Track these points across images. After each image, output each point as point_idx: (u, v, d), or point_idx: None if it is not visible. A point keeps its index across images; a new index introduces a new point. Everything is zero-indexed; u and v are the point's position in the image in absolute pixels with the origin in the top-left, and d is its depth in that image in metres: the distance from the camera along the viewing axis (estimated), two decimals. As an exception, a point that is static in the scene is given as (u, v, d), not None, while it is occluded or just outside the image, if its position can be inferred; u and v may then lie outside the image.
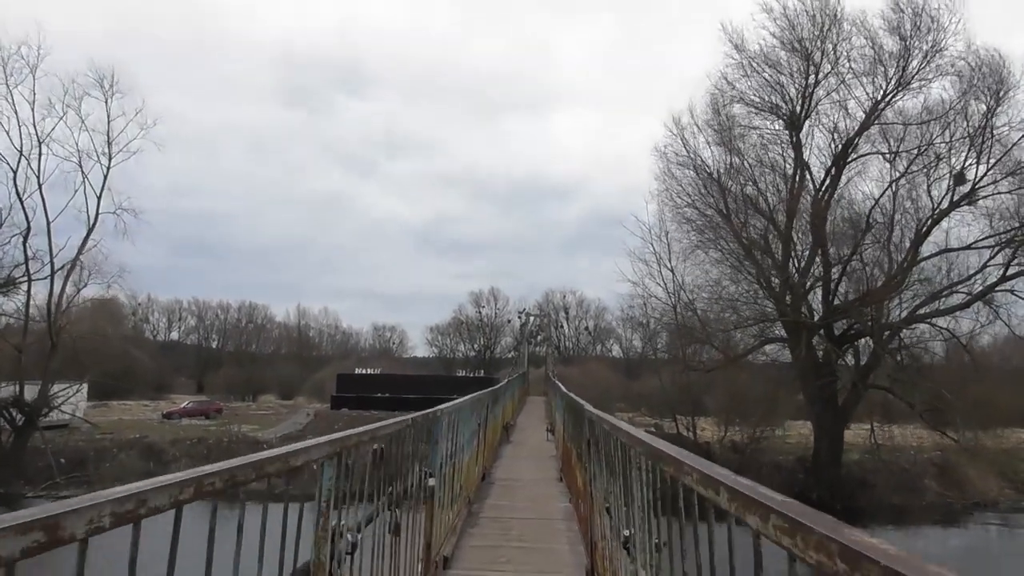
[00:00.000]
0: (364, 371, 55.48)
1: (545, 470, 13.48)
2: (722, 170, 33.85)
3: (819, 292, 32.95)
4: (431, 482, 6.27)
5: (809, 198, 32.17)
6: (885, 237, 31.46)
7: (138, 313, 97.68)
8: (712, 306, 34.25)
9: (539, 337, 75.16)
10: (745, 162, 33.31)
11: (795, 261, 32.80)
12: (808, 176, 32.33)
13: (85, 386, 42.47)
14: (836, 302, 31.85)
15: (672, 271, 35.55)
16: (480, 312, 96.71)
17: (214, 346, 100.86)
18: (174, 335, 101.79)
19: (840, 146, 31.27)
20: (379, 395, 42.61)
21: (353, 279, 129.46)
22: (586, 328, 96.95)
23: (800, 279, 32.19)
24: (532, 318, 65.23)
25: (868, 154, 31.16)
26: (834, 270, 31.42)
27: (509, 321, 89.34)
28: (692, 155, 34.63)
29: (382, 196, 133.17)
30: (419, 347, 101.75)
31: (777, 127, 33.00)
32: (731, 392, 35.37)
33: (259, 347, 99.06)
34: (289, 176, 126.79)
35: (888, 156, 30.21)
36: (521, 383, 35.93)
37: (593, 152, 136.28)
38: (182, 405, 52.92)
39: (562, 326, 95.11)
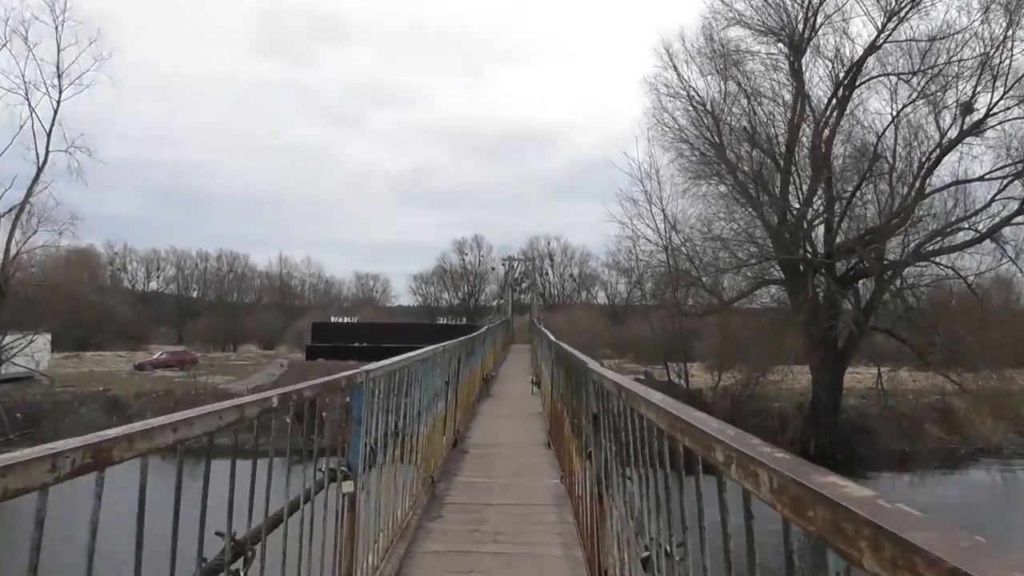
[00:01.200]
0: (340, 319, 52.95)
1: (530, 432, 11.21)
2: (716, 99, 31.11)
3: (819, 231, 30.55)
4: (347, 487, 3.90)
5: (810, 129, 29.43)
6: (889, 170, 28.93)
7: (115, 263, 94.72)
8: (705, 247, 31.91)
9: (524, 284, 72.90)
10: (742, 90, 30.49)
11: (796, 196, 30.22)
12: (808, 106, 29.46)
13: (47, 337, 39.75)
14: (838, 240, 29.42)
15: (663, 210, 33.10)
16: (464, 260, 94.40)
17: (194, 296, 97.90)
18: (153, 285, 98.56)
19: (844, 71, 28.44)
20: (356, 344, 40.27)
21: (336, 229, 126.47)
22: (571, 275, 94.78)
23: (800, 215, 29.70)
24: (517, 263, 62.53)
25: (876, 76, 28.12)
26: (837, 205, 28.85)
27: (493, 269, 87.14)
28: (685, 85, 31.81)
29: (364, 147, 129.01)
30: (403, 296, 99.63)
31: (777, 50, 30.07)
32: (725, 337, 33.23)
33: (240, 296, 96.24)
34: (270, 127, 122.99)
35: (904, 77, 27.22)
36: (504, 330, 33.68)
37: (577, 100, 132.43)
38: (155, 356, 50.30)
39: (547, 273, 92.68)
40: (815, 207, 29.58)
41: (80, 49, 33.43)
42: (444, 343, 8.62)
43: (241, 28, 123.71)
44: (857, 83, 28.27)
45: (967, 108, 29.08)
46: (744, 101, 30.63)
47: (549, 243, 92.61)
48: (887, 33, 27.04)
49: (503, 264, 69.68)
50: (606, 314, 74.24)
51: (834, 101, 28.58)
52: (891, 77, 28.04)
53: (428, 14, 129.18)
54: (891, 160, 28.94)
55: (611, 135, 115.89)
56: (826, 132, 28.48)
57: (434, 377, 7.56)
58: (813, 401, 30.16)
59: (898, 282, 29.19)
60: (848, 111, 28.51)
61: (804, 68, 29.35)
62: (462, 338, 11.68)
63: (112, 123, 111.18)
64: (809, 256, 28.92)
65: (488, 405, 14.65)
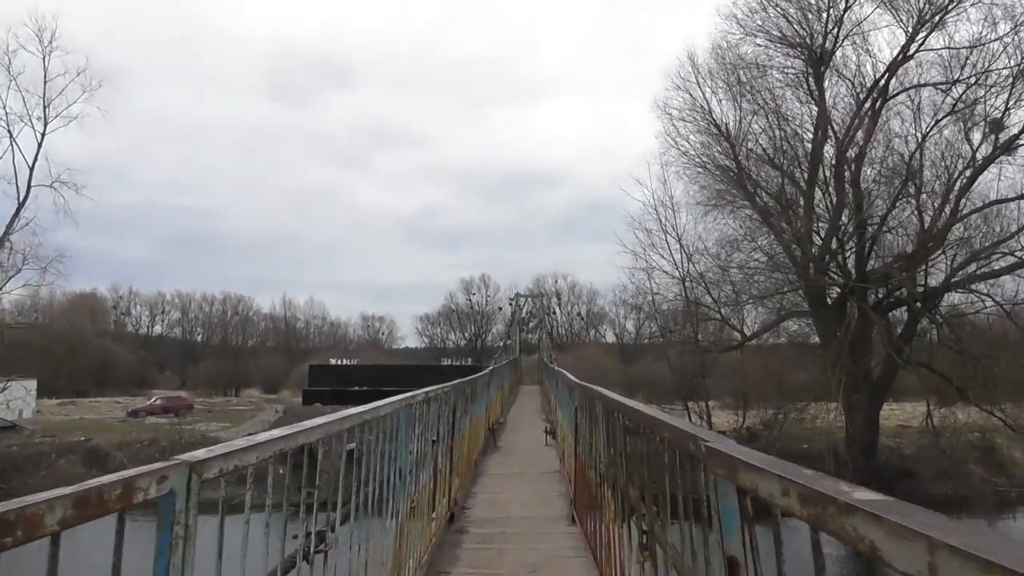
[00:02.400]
0: (339, 361, 50.29)
1: (548, 500, 8.65)
2: (732, 120, 28.90)
3: (844, 258, 27.88)
4: None
5: (833, 148, 27.06)
6: (917, 192, 26.46)
7: (119, 306, 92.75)
8: (725, 277, 29.35)
9: (531, 324, 70.26)
10: (760, 109, 28.20)
11: (819, 222, 27.62)
12: (831, 126, 27.10)
13: (32, 383, 37.23)
14: (869, 266, 26.81)
15: (679, 240, 30.69)
16: (471, 300, 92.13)
17: (199, 339, 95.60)
18: (158, 329, 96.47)
19: (869, 86, 26.11)
20: (356, 388, 37.65)
21: (341, 271, 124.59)
22: (579, 313, 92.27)
23: (826, 240, 27.17)
24: (524, 301, 59.85)
25: (907, 89, 25.61)
26: (868, 229, 26.30)
27: (500, 308, 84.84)
28: (698, 106, 29.62)
29: (371, 188, 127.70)
30: (409, 337, 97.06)
31: (796, 65, 27.76)
32: (747, 374, 30.52)
33: (244, 340, 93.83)
34: (276, 169, 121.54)
35: (941, 88, 24.79)
36: (512, 371, 31.04)
37: (581, 139, 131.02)
38: (149, 402, 47.67)
39: (554, 312, 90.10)
40: (842, 232, 26.98)
41: (68, 79, 31.41)
42: (427, 388, 6.14)
43: (248, 74, 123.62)
44: (888, 96, 25.92)
45: (997, 125, 26.90)
46: (762, 121, 28.46)
47: (556, 281, 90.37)
48: (918, 43, 24.86)
49: (510, 303, 67.07)
50: (615, 352, 71.61)
51: (860, 117, 26.20)
52: (920, 93, 25.72)
53: (432, 56, 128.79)
54: (918, 182, 26.58)
55: (617, 174, 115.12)
56: (853, 151, 26.09)
57: (409, 440, 5.08)
58: (848, 442, 27.30)
59: (931, 311, 26.53)
60: (878, 126, 26.02)
61: (826, 84, 27.13)
62: (458, 380, 9.17)
63: (121, 169, 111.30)
64: (843, 281, 26.20)
65: (495, 460, 12.08)
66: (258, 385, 76.47)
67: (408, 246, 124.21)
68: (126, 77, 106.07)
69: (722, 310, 29.96)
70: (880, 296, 26.94)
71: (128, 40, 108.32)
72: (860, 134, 25.77)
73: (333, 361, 51.64)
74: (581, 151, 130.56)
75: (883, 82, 25.69)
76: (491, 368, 16.33)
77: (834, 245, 27.40)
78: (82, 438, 32.47)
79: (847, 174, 26.05)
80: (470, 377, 11.18)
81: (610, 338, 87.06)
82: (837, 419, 29.58)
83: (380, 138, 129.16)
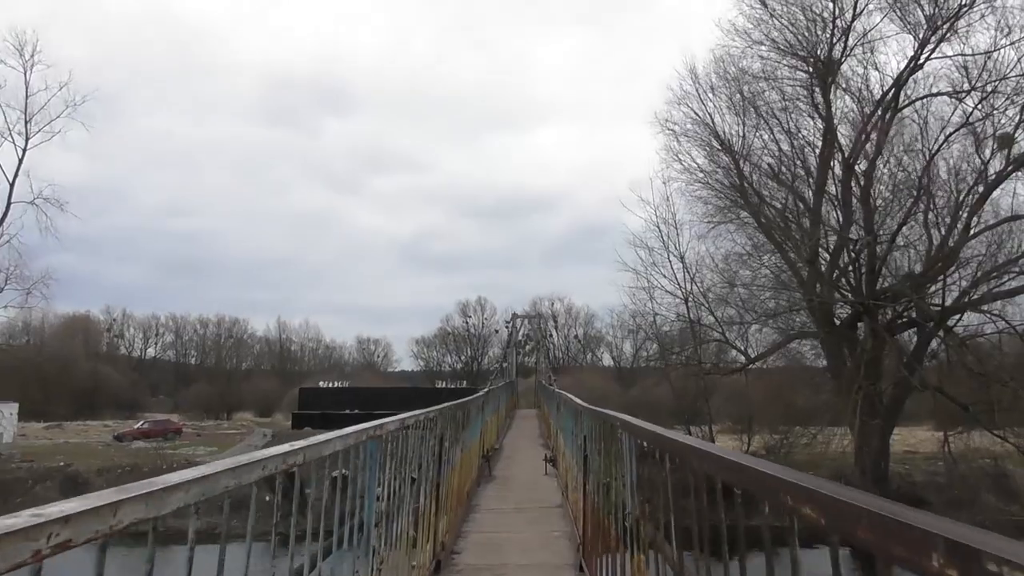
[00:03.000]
0: (330, 384, 48.79)
1: (550, 542, 7.40)
2: (735, 135, 27.90)
3: (855, 276, 26.74)
4: None
5: (839, 164, 26.01)
6: (926, 209, 25.39)
7: (112, 329, 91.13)
8: (730, 297, 28.18)
9: (528, 346, 68.78)
10: (764, 122, 27.22)
11: (828, 237, 26.43)
12: (837, 141, 26.10)
13: (14, 407, 35.79)
14: (878, 285, 25.61)
15: (682, 258, 29.55)
16: (467, 322, 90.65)
17: (193, 362, 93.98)
18: (151, 352, 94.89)
19: (877, 100, 25.16)
20: (347, 411, 36.20)
21: (336, 294, 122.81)
22: (575, 336, 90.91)
23: (833, 257, 26.06)
24: (521, 321, 58.35)
25: (920, 98, 24.64)
26: (878, 247, 25.15)
27: (496, 331, 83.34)
28: (699, 120, 28.61)
29: (366, 212, 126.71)
30: (405, 360, 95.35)
31: (801, 77, 26.67)
32: (751, 397, 29.25)
33: (239, 363, 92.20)
34: (272, 193, 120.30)
35: (957, 96, 23.65)
36: (508, 393, 29.75)
37: (576, 163, 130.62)
38: (136, 426, 46.04)
39: (551, 335, 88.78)
40: (852, 249, 25.79)
41: (50, 93, 30.40)
42: (404, 414, 4.93)
43: (245, 99, 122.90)
44: (898, 107, 24.90)
45: (1007, 140, 25.95)
46: (766, 135, 27.49)
47: (552, 304, 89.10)
48: (928, 51, 23.83)
49: (506, 325, 65.60)
50: (612, 376, 70.25)
51: (868, 130, 25.12)
52: (930, 106, 24.74)
53: (429, 82, 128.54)
54: (928, 198, 25.51)
55: (612, 198, 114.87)
56: (861, 165, 25.07)
57: (381, 480, 3.88)
58: (860, 469, 25.97)
59: (945, 332, 25.36)
60: (888, 139, 24.91)
61: (833, 96, 26.11)
62: (448, 404, 7.96)
63: (116, 192, 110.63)
64: (856, 301, 24.95)
65: (490, 492, 10.81)
66: (251, 409, 74.83)
67: (404, 269, 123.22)
68: (123, 101, 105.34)
69: (725, 331, 28.77)
70: (890, 316, 25.75)
71: (125, 65, 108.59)
72: (869, 147, 24.76)
73: (324, 384, 50.06)
74: (576, 175, 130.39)
75: (892, 93, 24.67)
76: (486, 390, 15.07)
77: (843, 263, 26.29)
78: (61, 463, 31.03)
79: (856, 189, 25.00)
80: (462, 400, 9.95)
81: (607, 361, 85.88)
82: (843, 444, 28.31)
83: (376, 162, 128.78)
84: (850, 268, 25.98)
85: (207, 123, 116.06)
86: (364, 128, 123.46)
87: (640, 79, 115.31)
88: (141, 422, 47.62)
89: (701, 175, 29.05)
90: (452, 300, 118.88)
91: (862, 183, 24.88)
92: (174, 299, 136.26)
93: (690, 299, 29.09)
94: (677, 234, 30.23)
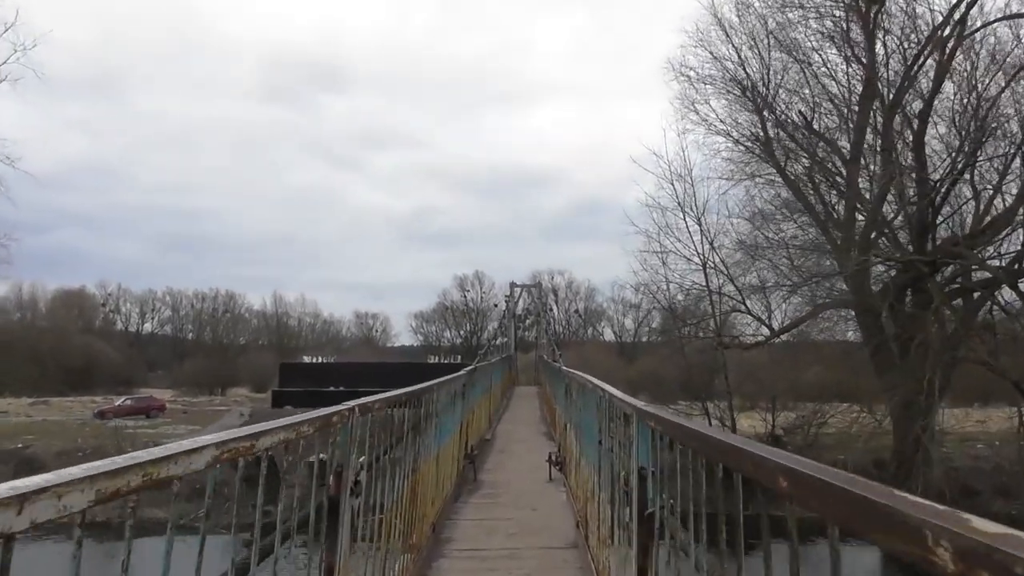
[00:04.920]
0: (313, 359, 45.44)
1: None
2: (759, 79, 24.12)
3: (908, 231, 22.87)
4: None
5: (881, 109, 22.18)
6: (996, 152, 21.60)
7: (107, 304, 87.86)
8: (752, 263, 24.61)
9: (528, 320, 65.20)
10: (794, 60, 23.42)
11: (874, 185, 22.40)
12: (880, 80, 22.23)
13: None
14: (930, 244, 21.91)
15: (699, 220, 25.86)
16: (465, 296, 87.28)
17: (190, 337, 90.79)
18: (148, 327, 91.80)
19: (933, 26, 21.19)
20: (331, 389, 32.84)
21: (335, 271, 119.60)
22: (576, 311, 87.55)
23: (870, 217, 22.35)
24: (521, 291, 54.60)
25: (995, 21, 20.73)
26: (931, 201, 21.41)
27: (496, 305, 79.67)
28: (720, 63, 24.82)
29: (364, 188, 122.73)
30: (403, 335, 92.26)
31: (842, 5, 22.68)
32: (775, 372, 25.83)
33: (236, 337, 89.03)
34: (270, 170, 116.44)
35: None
36: (505, 370, 26.30)
37: (574, 139, 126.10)
38: (117, 402, 42.78)
39: (551, 309, 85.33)
40: (901, 201, 21.92)
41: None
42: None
43: (243, 77, 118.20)
44: (964, 34, 20.90)
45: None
46: (794, 79, 23.69)
47: (553, 277, 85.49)
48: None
49: (505, 298, 62.00)
50: (613, 351, 67.14)
51: (923, 62, 21.19)
52: (995, 30, 20.73)
53: (427, 59, 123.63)
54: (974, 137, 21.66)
55: (612, 174, 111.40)
56: (914, 104, 21.27)
57: None
58: (897, 454, 22.60)
59: (1002, 299, 21.85)
60: (947, 74, 20.98)
61: (876, 27, 22.08)
62: (391, 393, 4.47)
63: (115, 169, 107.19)
64: (921, 259, 20.94)
65: (469, 513, 7.29)
66: (248, 384, 71.84)
67: (402, 245, 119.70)
68: (122, 79, 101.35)
69: (746, 300, 25.25)
70: (941, 281, 22.12)
71: (124, 44, 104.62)
72: (924, 83, 20.91)
73: (307, 359, 46.65)
74: (575, 152, 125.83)
75: (960, 15, 20.51)
76: (471, 368, 11.56)
77: (889, 215, 22.52)
78: (19, 445, 27.80)
79: (908, 133, 21.29)
80: (427, 384, 6.38)
81: (608, 336, 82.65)
82: (870, 423, 24.87)
83: (375, 139, 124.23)
84: (904, 224, 22.21)
85: (205, 101, 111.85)
86: (363, 105, 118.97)
87: (640, 57, 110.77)
88: (123, 399, 44.35)
89: (721, 126, 25.35)
90: (451, 275, 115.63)
91: (914, 126, 21.14)
92: (172, 277, 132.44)
93: (707, 265, 25.45)
94: (694, 194, 26.53)
